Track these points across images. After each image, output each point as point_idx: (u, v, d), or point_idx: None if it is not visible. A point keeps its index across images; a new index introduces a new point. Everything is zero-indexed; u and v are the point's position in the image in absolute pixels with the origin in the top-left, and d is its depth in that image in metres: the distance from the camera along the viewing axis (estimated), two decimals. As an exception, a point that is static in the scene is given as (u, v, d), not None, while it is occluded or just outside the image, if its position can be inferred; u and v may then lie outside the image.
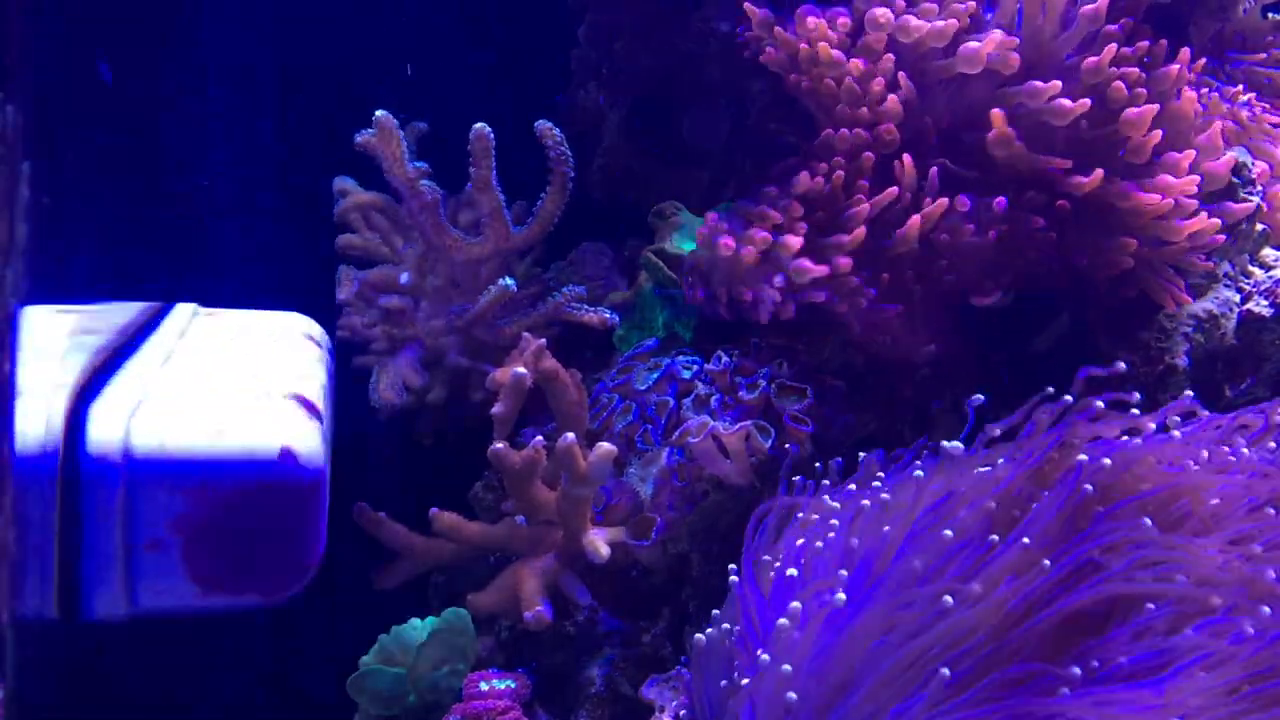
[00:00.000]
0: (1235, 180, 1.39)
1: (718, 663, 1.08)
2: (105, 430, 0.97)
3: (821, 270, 1.35)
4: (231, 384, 1.06)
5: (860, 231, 1.35)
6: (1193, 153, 1.31)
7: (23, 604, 0.95)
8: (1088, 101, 1.30)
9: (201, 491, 0.98)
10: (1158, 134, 1.30)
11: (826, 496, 1.15)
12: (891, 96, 1.36)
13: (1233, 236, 1.39)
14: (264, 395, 1.05)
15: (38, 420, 0.96)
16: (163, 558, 0.99)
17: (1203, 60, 1.41)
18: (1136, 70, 1.31)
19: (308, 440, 1.02)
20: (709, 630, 1.10)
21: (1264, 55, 1.51)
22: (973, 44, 1.32)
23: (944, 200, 1.34)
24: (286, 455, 1.00)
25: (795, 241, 1.35)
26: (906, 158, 1.36)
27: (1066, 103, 1.29)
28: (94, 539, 0.96)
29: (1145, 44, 1.33)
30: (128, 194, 1.66)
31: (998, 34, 1.32)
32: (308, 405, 1.06)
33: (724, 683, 1.04)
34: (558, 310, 1.56)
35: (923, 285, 1.38)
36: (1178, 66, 1.32)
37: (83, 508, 0.96)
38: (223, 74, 1.69)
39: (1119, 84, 1.30)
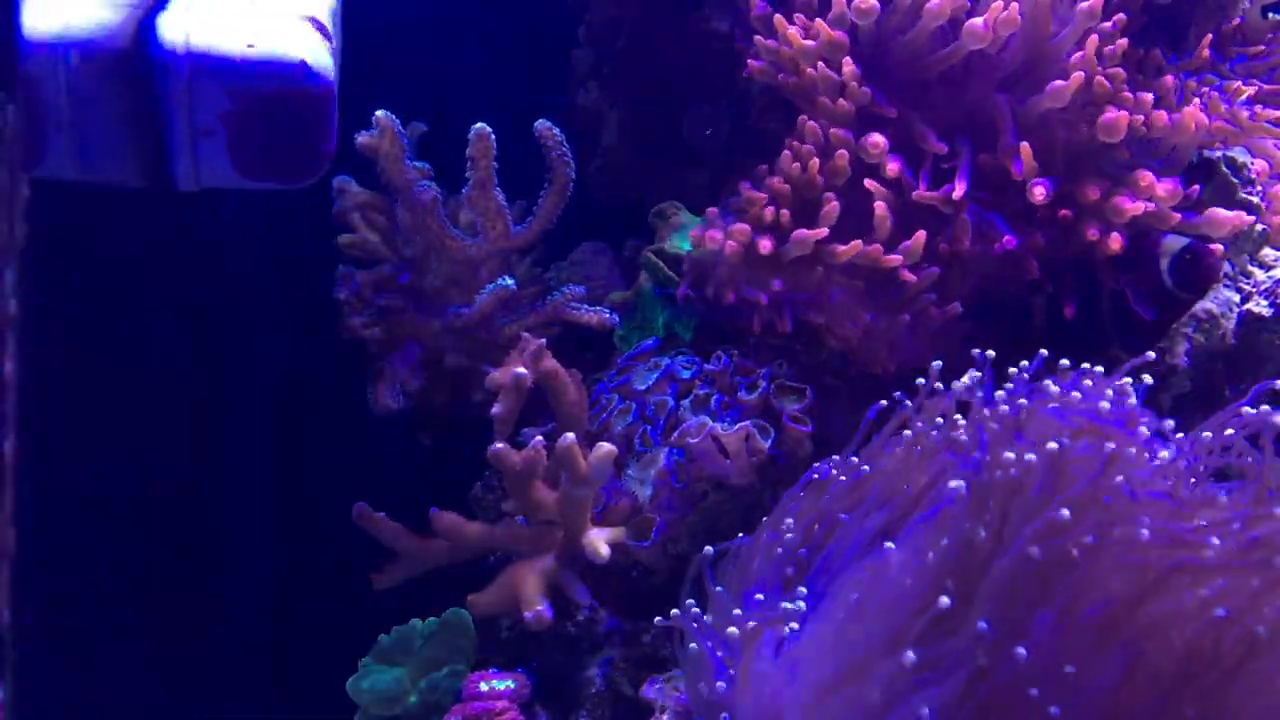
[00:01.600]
0: (1234, 180, 1.39)
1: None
2: (171, 33, 1.22)
3: (821, 233, 1.35)
4: (258, 7, 1.29)
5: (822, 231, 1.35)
6: (1170, 184, 1.31)
7: (106, 173, 1.24)
8: (1081, 75, 1.29)
9: (241, 89, 1.23)
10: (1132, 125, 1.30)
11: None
12: (854, 84, 1.35)
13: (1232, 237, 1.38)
14: (284, 16, 1.28)
15: (117, 25, 1.22)
16: (214, 143, 1.24)
17: (1207, 53, 1.40)
18: (1121, 71, 1.31)
19: (320, 54, 1.26)
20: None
21: (1263, 50, 1.50)
22: (976, 19, 1.30)
23: (922, 234, 1.34)
24: (303, 65, 1.24)
25: (765, 244, 1.35)
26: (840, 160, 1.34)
27: (1058, 82, 1.29)
28: (171, 119, 1.22)
29: (1124, 41, 1.33)
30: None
31: (997, 4, 1.30)
32: (319, 27, 1.29)
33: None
34: (557, 310, 1.56)
35: (927, 305, 1.38)
36: (1169, 77, 1.32)
37: (159, 92, 1.21)
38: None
39: (1102, 80, 1.30)
